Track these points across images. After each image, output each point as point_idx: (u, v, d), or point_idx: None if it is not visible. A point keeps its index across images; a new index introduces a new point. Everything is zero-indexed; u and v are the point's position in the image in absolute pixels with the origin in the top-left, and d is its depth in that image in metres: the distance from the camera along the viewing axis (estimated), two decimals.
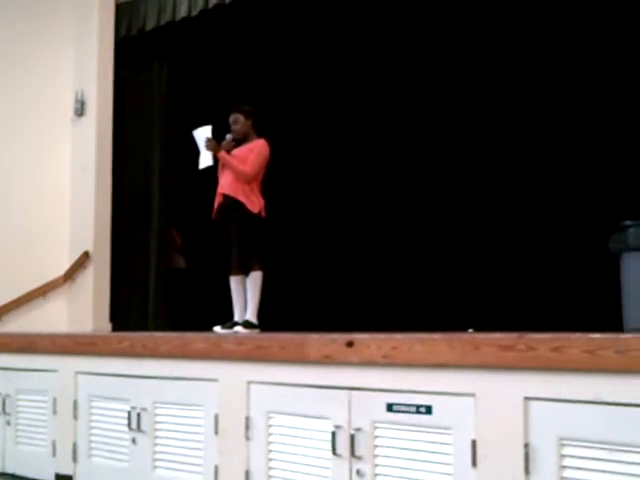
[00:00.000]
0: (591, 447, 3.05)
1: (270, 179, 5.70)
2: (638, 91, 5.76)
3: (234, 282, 5.59)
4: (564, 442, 3.12)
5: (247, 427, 4.29)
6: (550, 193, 6.13)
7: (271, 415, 4.23)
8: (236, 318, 5.55)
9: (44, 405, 5.66)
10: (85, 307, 7.37)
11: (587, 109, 5.98)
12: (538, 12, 6.36)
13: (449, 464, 3.46)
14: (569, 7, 6.19)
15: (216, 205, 5.65)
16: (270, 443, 4.22)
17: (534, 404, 3.22)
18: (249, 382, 4.33)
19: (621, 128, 5.87)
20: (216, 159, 5.64)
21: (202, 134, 5.67)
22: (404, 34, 7.01)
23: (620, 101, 5.88)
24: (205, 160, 5.65)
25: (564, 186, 6.04)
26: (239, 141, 5.70)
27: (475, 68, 6.64)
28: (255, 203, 5.53)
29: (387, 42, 7.06)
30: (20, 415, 5.87)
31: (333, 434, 3.86)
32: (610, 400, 3.01)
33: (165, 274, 7.91)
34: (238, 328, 5.40)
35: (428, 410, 3.56)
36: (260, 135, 5.72)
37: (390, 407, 3.70)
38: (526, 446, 3.20)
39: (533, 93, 6.35)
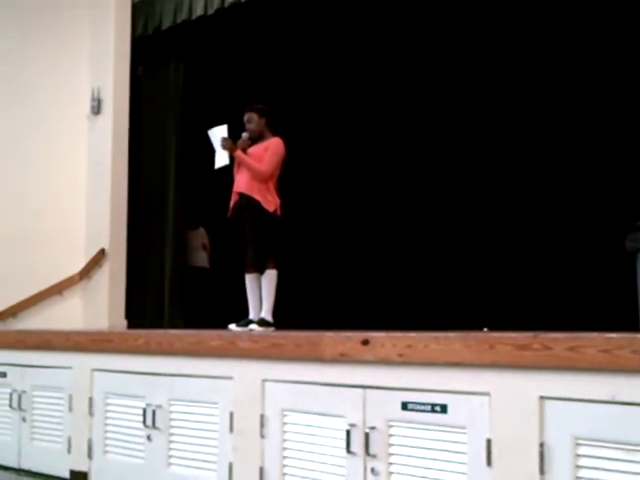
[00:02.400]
0: (607, 447, 3.03)
1: (286, 178, 5.71)
2: None
3: (249, 280, 5.61)
4: (580, 442, 3.11)
5: (262, 425, 4.30)
6: (567, 192, 6.10)
7: (286, 413, 4.23)
8: (251, 316, 5.56)
9: (60, 402, 5.68)
10: (101, 304, 7.41)
11: (605, 107, 5.95)
12: (541, 12, 6.34)
13: (464, 463, 3.45)
14: (571, 7, 6.17)
15: (232, 204, 5.66)
16: (285, 441, 4.22)
17: (550, 403, 3.21)
18: (264, 380, 4.33)
19: (638, 129, 5.84)
20: (232, 158, 5.65)
21: (218, 133, 5.69)
22: (413, 37, 7.02)
23: (637, 100, 5.85)
24: (221, 159, 5.66)
25: (581, 185, 6.01)
26: (254, 140, 5.71)
27: (483, 69, 6.63)
28: (271, 202, 5.54)
29: (397, 46, 7.07)
30: (36, 412, 5.90)
31: (348, 432, 3.86)
32: (626, 400, 2.99)
33: (181, 271, 7.93)
34: (253, 326, 5.41)
35: (443, 409, 3.56)
36: (275, 134, 5.73)
37: (405, 406, 3.70)
38: (541, 445, 3.19)
39: (549, 89, 6.33)
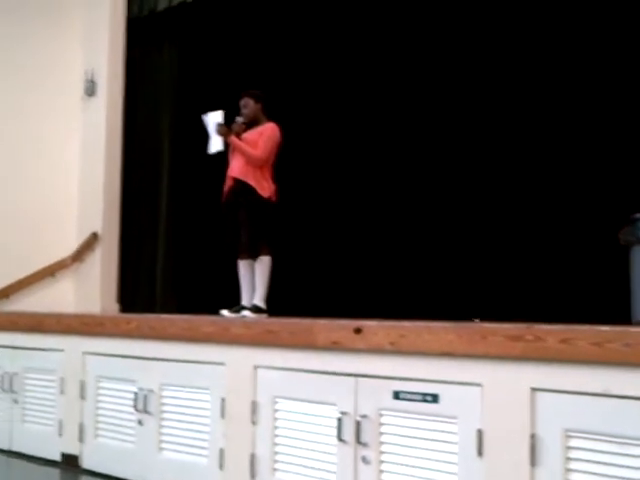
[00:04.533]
0: (597, 439, 3.05)
1: (281, 164, 5.69)
2: None
3: (242, 266, 5.59)
4: (570, 434, 3.13)
5: (253, 411, 4.31)
6: (561, 184, 6.09)
7: (277, 400, 4.24)
8: (244, 302, 5.55)
9: (51, 384, 5.70)
10: (93, 288, 7.40)
11: (599, 100, 5.94)
12: (539, 10, 6.33)
13: (454, 453, 3.47)
14: (569, 5, 6.15)
15: (226, 188, 5.64)
16: (276, 428, 4.24)
17: (541, 395, 3.22)
18: (256, 366, 4.35)
19: (634, 120, 5.83)
20: (226, 144, 5.63)
21: (212, 119, 5.66)
22: (412, 30, 6.98)
23: (633, 92, 5.85)
24: (215, 144, 5.64)
25: (575, 177, 6.00)
26: (249, 125, 5.68)
27: (480, 62, 6.60)
28: (265, 187, 5.52)
29: (395, 37, 7.04)
30: (27, 394, 5.91)
31: (339, 420, 3.88)
32: (617, 393, 3.00)
33: (174, 256, 7.92)
34: (246, 312, 5.40)
35: (434, 399, 3.57)
36: (271, 119, 5.71)
37: (397, 395, 3.71)
38: (532, 437, 3.21)
39: (543, 83, 6.32)
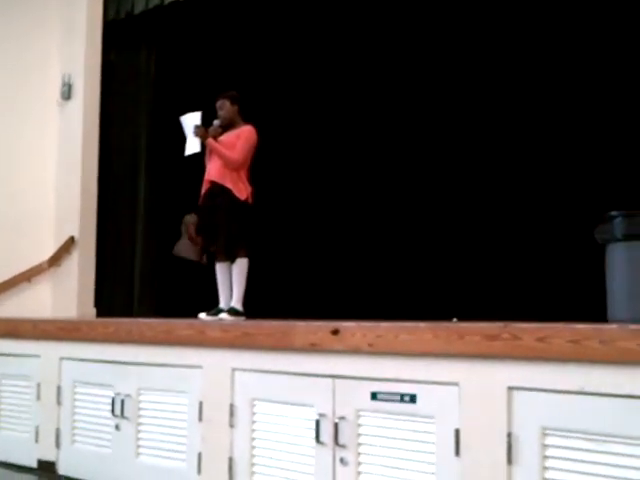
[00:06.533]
0: (574, 437, 3.06)
1: (257, 166, 5.67)
2: (624, 83, 5.77)
3: (220, 269, 5.57)
4: (547, 432, 3.13)
5: (231, 414, 4.29)
6: (537, 183, 6.13)
7: (255, 402, 4.22)
8: (221, 305, 5.53)
9: (27, 390, 5.63)
10: (70, 292, 7.32)
11: (574, 100, 5.98)
12: (536, 11, 6.36)
13: (432, 453, 3.47)
14: (567, 7, 6.19)
15: (203, 191, 5.62)
16: (254, 431, 4.21)
17: (518, 394, 3.23)
18: (234, 369, 4.32)
19: (608, 119, 5.88)
20: (203, 146, 5.60)
21: (190, 120, 5.63)
22: (399, 23, 6.98)
23: (607, 93, 5.89)
24: (192, 146, 5.60)
25: (551, 176, 6.04)
26: (225, 127, 5.66)
27: (468, 66, 6.63)
28: (242, 190, 5.51)
29: (378, 28, 7.04)
30: (3, 400, 5.84)
31: (317, 422, 3.86)
32: (594, 390, 3.01)
33: (151, 260, 7.88)
34: (223, 315, 5.38)
35: (412, 399, 3.56)
36: (248, 121, 5.69)
37: (374, 395, 3.70)
38: (509, 436, 3.21)
39: (521, 86, 6.35)
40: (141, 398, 4.85)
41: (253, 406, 4.22)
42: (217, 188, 5.52)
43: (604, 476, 2.97)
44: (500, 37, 6.41)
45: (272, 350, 4.15)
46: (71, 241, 7.37)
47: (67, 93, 7.64)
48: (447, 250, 6.43)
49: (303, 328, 4.04)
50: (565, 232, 5.65)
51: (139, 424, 4.84)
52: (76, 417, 5.28)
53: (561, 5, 6.14)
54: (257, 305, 5.61)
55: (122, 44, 8.09)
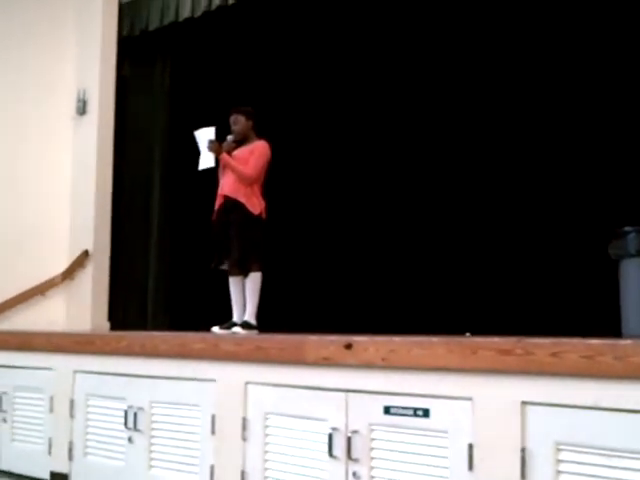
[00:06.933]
0: (588, 452, 3.04)
1: (271, 181, 5.70)
2: (637, 96, 5.77)
3: (233, 283, 5.59)
4: (561, 447, 3.12)
5: (244, 428, 4.29)
6: (550, 198, 6.12)
7: (268, 416, 4.22)
8: (235, 319, 5.54)
9: (41, 403, 5.65)
10: (84, 306, 7.36)
11: (587, 113, 5.98)
12: (538, 12, 6.36)
13: (446, 467, 3.46)
14: (569, 8, 6.19)
15: (217, 206, 5.65)
16: (267, 444, 4.21)
17: (531, 409, 3.22)
18: (247, 383, 4.33)
19: (623, 134, 5.87)
20: (217, 160, 5.64)
21: (204, 135, 5.66)
22: (405, 35, 7.01)
23: (620, 106, 5.88)
24: (206, 161, 5.64)
25: (565, 191, 6.03)
26: (239, 142, 5.70)
27: (475, 72, 6.64)
28: (256, 205, 5.54)
29: (388, 43, 7.07)
30: (17, 412, 5.86)
31: (330, 436, 3.86)
32: (608, 406, 3.00)
33: (165, 273, 7.90)
34: (237, 329, 5.39)
35: (425, 413, 3.56)
36: (261, 136, 5.72)
37: (387, 410, 3.70)
38: (523, 450, 3.20)
39: (531, 99, 6.35)
40: (154, 411, 4.86)
41: (266, 419, 4.23)
42: (230, 203, 5.55)
43: None
44: (511, 41, 6.41)
45: (285, 364, 4.16)
46: (85, 255, 7.41)
47: (82, 109, 7.70)
48: (461, 265, 6.43)
49: (316, 342, 4.05)
50: (579, 247, 5.65)
51: (152, 437, 4.84)
52: (89, 430, 5.29)
53: (573, 7, 6.12)
54: (270, 319, 5.62)
55: (137, 60, 8.16)
